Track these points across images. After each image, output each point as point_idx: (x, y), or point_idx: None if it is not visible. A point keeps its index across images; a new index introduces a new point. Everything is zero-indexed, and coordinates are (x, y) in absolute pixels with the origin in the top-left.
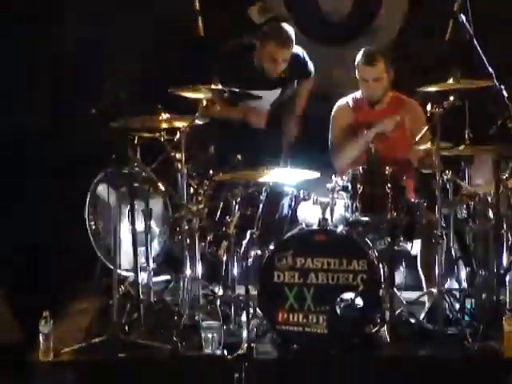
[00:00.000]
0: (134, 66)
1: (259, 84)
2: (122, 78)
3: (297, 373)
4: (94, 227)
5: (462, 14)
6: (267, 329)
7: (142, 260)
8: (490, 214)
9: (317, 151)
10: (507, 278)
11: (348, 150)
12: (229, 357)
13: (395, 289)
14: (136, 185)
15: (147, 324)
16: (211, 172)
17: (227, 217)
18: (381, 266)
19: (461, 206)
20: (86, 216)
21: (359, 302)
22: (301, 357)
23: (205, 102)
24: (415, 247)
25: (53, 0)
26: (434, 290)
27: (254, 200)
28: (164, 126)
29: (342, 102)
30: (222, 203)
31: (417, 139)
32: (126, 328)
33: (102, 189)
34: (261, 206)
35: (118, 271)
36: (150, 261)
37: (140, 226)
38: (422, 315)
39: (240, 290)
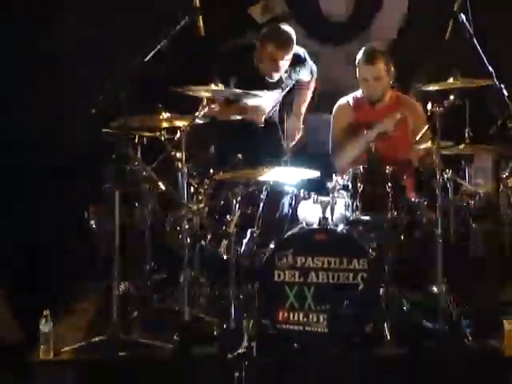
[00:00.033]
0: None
1: (259, 84)
2: (122, 77)
3: (297, 372)
4: (94, 226)
5: (461, 14)
6: (267, 328)
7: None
8: (490, 213)
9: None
10: None
11: (348, 149)
12: (229, 356)
13: (395, 287)
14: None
15: (147, 323)
16: (211, 171)
17: (227, 216)
18: (381, 264)
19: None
20: (87, 216)
21: (359, 300)
22: (301, 356)
23: (205, 101)
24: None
25: (53, 0)
26: (435, 289)
27: (254, 199)
28: (164, 125)
29: (342, 101)
30: (222, 202)
31: (417, 138)
32: (127, 327)
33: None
34: (261, 205)
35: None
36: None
37: None
38: (422, 314)
39: (240, 288)
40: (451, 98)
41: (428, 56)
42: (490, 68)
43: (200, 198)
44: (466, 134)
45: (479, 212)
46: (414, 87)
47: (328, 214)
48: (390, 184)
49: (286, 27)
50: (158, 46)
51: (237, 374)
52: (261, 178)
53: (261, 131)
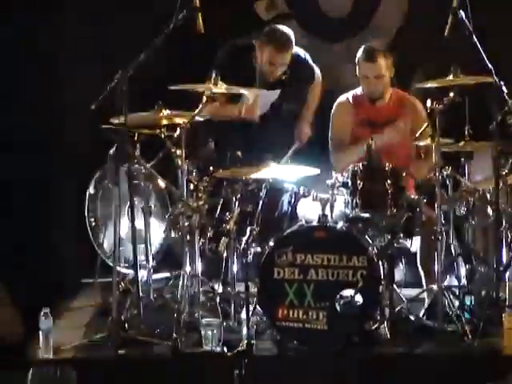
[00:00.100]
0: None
1: (258, 84)
2: (124, 74)
3: (297, 369)
4: (93, 224)
5: (461, 11)
6: (267, 325)
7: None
8: (490, 210)
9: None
10: (507, 275)
11: (348, 154)
12: (229, 354)
13: (395, 285)
14: (136, 181)
15: (147, 321)
16: (211, 168)
17: (227, 213)
18: (380, 262)
19: (460, 202)
20: (86, 213)
21: (359, 298)
22: (301, 353)
23: (204, 99)
24: (415, 244)
25: (53, 0)
26: (434, 287)
27: (253, 197)
28: (164, 122)
29: (342, 98)
30: (221, 200)
31: (417, 135)
32: (126, 325)
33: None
34: (261, 202)
35: (118, 268)
36: (150, 258)
37: (140, 223)
38: (422, 312)
39: (240, 286)
40: (451, 95)
41: (427, 54)
42: (490, 65)
43: (199, 195)
44: (466, 131)
45: (479, 209)
46: (413, 86)
47: (327, 212)
48: (389, 181)
49: (285, 28)
50: (157, 44)
51: (236, 372)
52: (260, 176)
53: (258, 128)
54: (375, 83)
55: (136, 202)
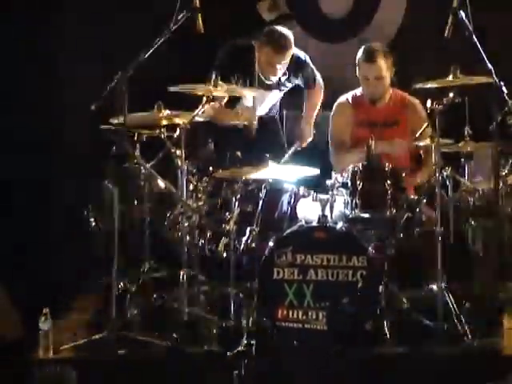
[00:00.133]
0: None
1: (257, 85)
2: (124, 74)
3: (296, 370)
4: (93, 224)
5: (461, 11)
6: (267, 326)
7: None
8: (490, 210)
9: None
10: None
11: (348, 157)
12: (228, 354)
13: (395, 285)
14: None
15: (146, 321)
16: (211, 169)
17: (227, 214)
18: (380, 262)
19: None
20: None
21: (359, 298)
22: (300, 353)
23: (204, 100)
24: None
25: (53, 0)
26: (434, 287)
27: (253, 197)
28: (164, 122)
29: (342, 99)
30: (221, 200)
31: (417, 135)
32: (126, 325)
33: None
34: (260, 202)
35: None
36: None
37: None
38: (422, 312)
39: (239, 286)
40: (450, 95)
41: (427, 54)
42: (490, 65)
43: (199, 195)
44: (466, 132)
45: (479, 209)
46: (413, 86)
47: (327, 212)
48: (389, 181)
49: (284, 30)
50: (157, 44)
51: (236, 373)
52: (260, 176)
53: (258, 128)
54: (375, 84)
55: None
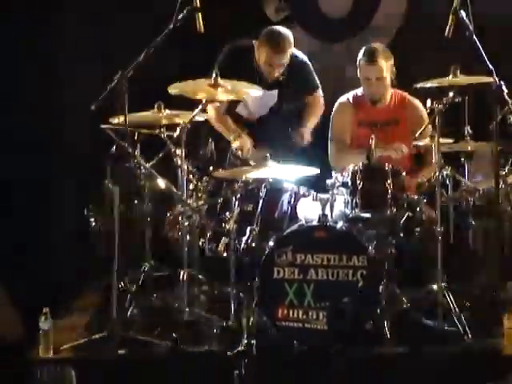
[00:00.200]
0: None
1: (258, 84)
2: (124, 74)
3: (297, 369)
4: (93, 224)
5: (462, 11)
6: (267, 325)
7: None
8: (490, 210)
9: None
10: None
11: (349, 157)
12: (228, 353)
13: (395, 285)
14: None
15: (146, 321)
16: (211, 168)
17: (227, 213)
18: (381, 262)
19: (461, 202)
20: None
21: (359, 298)
22: (301, 353)
23: (204, 100)
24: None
25: (53, 0)
26: (434, 287)
27: (253, 196)
28: (164, 122)
29: (342, 99)
30: (221, 199)
31: (416, 135)
32: (126, 325)
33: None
34: (260, 202)
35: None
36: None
37: None
38: (422, 312)
39: (240, 286)
40: (450, 94)
41: (427, 54)
42: (490, 65)
43: (199, 195)
44: (466, 131)
45: (479, 209)
46: (413, 86)
47: (327, 211)
48: (389, 181)
49: (283, 30)
50: (158, 44)
51: (236, 372)
52: (260, 176)
53: (258, 128)
54: (376, 85)
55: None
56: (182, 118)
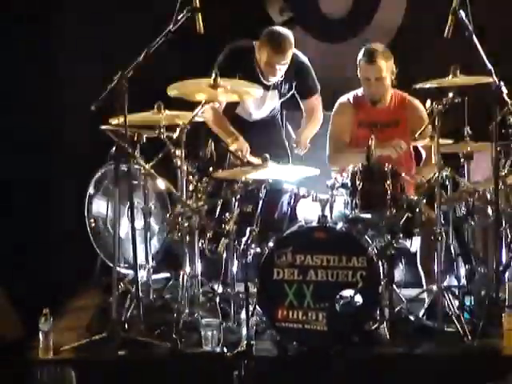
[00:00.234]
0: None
1: (258, 85)
2: (124, 74)
3: (296, 370)
4: (93, 225)
5: (461, 11)
6: (267, 326)
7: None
8: (489, 210)
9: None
10: (506, 275)
11: (348, 157)
12: (228, 354)
13: (395, 286)
14: (135, 182)
15: (147, 321)
16: (211, 169)
17: (227, 214)
18: (380, 263)
19: (460, 203)
20: (86, 214)
21: (358, 298)
22: (300, 354)
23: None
24: (415, 244)
25: (53, 0)
26: (434, 287)
27: (253, 197)
28: (164, 122)
29: (343, 99)
30: (221, 200)
31: (416, 135)
32: (126, 325)
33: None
34: (260, 203)
35: (118, 269)
36: (150, 258)
37: (139, 223)
38: (422, 312)
39: (239, 287)
40: (450, 95)
41: (427, 54)
42: (490, 65)
43: (199, 195)
44: (466, 132)
45: (478, 210)
46: (413, 86)
47: (327, 212)
48: (389, 182)
49: (284, 31)
50: (158, 44)
51: (236, 373)
52: (260, 176)
53: (257, 128)
54: (376, 85)
55: (136, 203)
56: (182, 118)
